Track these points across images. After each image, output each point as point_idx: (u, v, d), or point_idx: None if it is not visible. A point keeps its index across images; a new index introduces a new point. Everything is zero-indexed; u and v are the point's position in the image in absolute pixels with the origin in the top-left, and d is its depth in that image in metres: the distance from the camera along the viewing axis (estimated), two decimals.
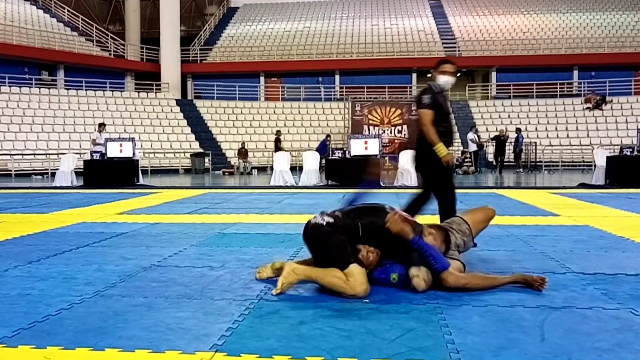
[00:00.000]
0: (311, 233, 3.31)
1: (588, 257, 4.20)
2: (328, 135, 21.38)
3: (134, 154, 13.50)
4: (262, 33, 31.61)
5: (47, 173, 17.90)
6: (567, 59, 27.48)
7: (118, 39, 29.29)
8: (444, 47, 28.86)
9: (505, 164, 19.91)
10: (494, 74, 28.34)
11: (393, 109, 22.34)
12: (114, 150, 13.44)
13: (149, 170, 19.62)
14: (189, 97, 28.58)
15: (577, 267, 3.85)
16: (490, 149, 20.83)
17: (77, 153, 16.63)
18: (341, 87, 28.14)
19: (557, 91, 26.52)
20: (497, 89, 28.01)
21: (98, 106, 23.37)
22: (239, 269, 3.87)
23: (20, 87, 23.07)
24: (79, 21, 29.30)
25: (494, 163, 20.31)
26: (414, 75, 28.47)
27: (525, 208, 7.66)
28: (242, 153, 20.83)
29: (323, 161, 15.03)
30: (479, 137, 20.18)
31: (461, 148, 20.54)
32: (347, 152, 13.24)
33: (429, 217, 4.82)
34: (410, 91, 27.50)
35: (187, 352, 2.30)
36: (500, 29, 30.51)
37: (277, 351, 2.30)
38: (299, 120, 25.65)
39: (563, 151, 21.99)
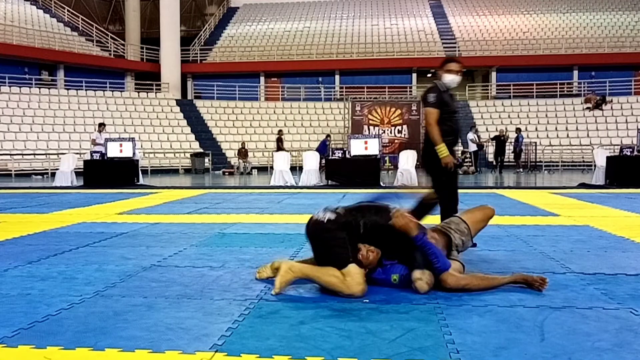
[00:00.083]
0: (313, 229, 3.31)
1: (588, 257, 4.20)
2: (328, 135, 21.39)
3: (134, 154, 13.50)
4: (262, 33, 31.62)
5: (47, 173, 17.90)
6: (567, 59, 27.49)
7: (118, 39, 29.29)
8: (444, 47, 28.86)
9: (505, 164, 19.92)
10: (494, 74, 28.35)
11: (393, 109, 22.35)
12: (114, 150, 13.44)
13: (149, 170, 19.62)
14: (189, 97, 28.59)
15: (577, 267, 3.85)
16: (490, 149, 20.84)
17: (77, 153, 16.64)
18: (341, 87, 28.14)
19: (557, 91, 26.52)
20: (497, 89, 28.02)
21: (98, 106, 23.38)
22: (239, 269, 3.87)
23: (20, 87, 23.08)
24: (79, 21, 29.31)
25: (494, 163, 20.31)
26: (414, 75, 28.48)
27: (525, 208, 7.66)
28: (242, 153, 20.84)
29: (323, 161, 15.03)
30: (479, 137, 20.18)
31: (461, 148, 20.54)
32: (347, 152, 13.24)
33: (430, 217, 4.81)
34: (410, 91, 27.52)
35: (187, 352, 2.30)
36: (500, 29, 30.52)
37: (277, 351, 2.30)
38: (299, 120, 25.65)
39: (563, 151, 21.99)
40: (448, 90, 4.73)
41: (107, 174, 13.18)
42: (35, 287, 3.39)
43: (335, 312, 2.85)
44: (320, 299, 3.10)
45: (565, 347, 2.32)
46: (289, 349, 2.32)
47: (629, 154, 12.40)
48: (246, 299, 3.09)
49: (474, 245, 4.38)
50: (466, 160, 19.25)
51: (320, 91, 28.03)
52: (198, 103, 26.45)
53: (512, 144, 20.44)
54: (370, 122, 22.31)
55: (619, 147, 13.52)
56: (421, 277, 3.13)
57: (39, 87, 23.75)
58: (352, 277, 3.09)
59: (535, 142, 21.11)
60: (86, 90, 24.34)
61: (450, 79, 4.68)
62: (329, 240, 3.21)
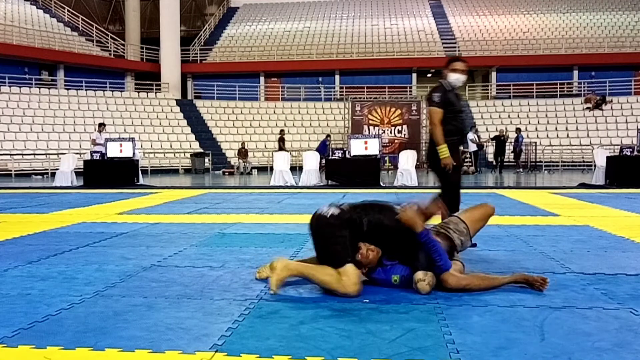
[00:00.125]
0: (316, 223, 3.29)
1: (588, 257, 4.20)
2: (328, 135, 21.38)
3: (134, 154, 13.50)
4: (262, 33, 31.62)
5: (47, 173, 17.90)
6: (567, 59, 27.49)
7: (118, 39, 29.30)
8: (444, 47, 28.86)
9: (505, 164, 19.93)
10: (494, 74, 28.35)
11: (393, 109, 22.36)
12: (114, 150, 13.44)
13: (149, 170, 19.62)
14: (189, 97, 28.59)
15: (577, 267, 3.85)
16: (490, 149, 20.84)
17: (77, 153, 16.64)
18: (341, 87, 28.14)
19: (557, 91, 26.52)
20: (497, 89, 28.02)
21: (98, 106, 23.38)
22: (239, 269, 3.87)
23: (20, 87, 23.08)
24: (79, 21, 29.31)
25: (494, 163, 20.32)
26: (414, 75, 28.49)
27: (525, 208, 7.66)
28: (242, 153, 20.84)
29: (323, 161, 15.03)
30: (478, 137, 20.18)
31: (461, 148, 20.55)
32: (347, 152, 13.24)
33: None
34: (410, 91, 27.52)
35: (187, 352, 2.30)
36: (500, 29, 30.52)
37: (277, 351, 2.30)
38: (299, 120, 25.65)
39: (563, 151, 21.99)
40: (454, 89, 4.73)
41: (107, 174, 13.18)
42: (35, 287, 3.39)
43: (335, 312, 2.85)
44: (320, 299, 3.10)
45: (565, 347, 2.32)
46: (289, 349, 2.32)
47: (629, 154, 12.40)
48: (246, 299, 3.09)
49: (474, 245, 4.38)
50: (466, 160, 19.24)
51: (320, 91, 28.03)
52: (198, 103, 26.45)
53: (512, 144, 20.44)
54: (370, 122, 22.32)
55: (619, 147, 13.52)
56: (424, 279, 3.12)
57: (39, 87, 23.75)
58: (348, 277, 3.08)
59: (535, 142, 21.11)
60: (86, 90, 24.34)
61: (456, 78, 4.68)
62: (329, 237, 3.19)
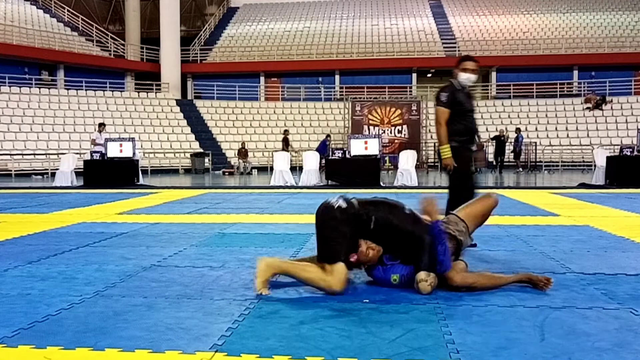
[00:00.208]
0: (321, 212, 3.28)
1: (588, 257, 4.20)
2: (328, 135, 21.39)
3: (134, 154, 13.50)
4: (262, 33, 31.62)
5: (47, 173, 17.90)
6: (567, 59, 27.49)
7: (118, 39, 29.30)
8: (444, 47, 28.87)
9: (505, 164, 19.92)
10: (494, 74, 28.34)
11: (393, 109, 22.36)
12: (114, 150, 13.44)
13: (149, 170, 19.62)
14: (189, 97, 28.59)
15: (577, 267, 3.85)
16: (490, 149, 20.85)
17: (77, 153, 16.64)
18: (341, 87, 28.15)
19: (557, 91, 26.53)
20: (497, 89, 28.01)
21: (98, 106, 23.38)
22: (239, 269, 3.87)
23: (20, 87, 23.08)
24: (79, 21, 29.31)
25: (494, 163, 20.32)
26: (414, 75, 28.48)
27: (525, 208, 7.66)
28: (242, 153, 20.84)
29: (323, 161, 15.03)
30: (478, 137, 20.09)
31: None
32: (347, 152, 13.24)
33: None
34: (410, 91, 27.52)
35: (187, 352, 2.30)
36: (500, 29, 30.52)
37: (277, 351, 2.30)
38: (299, 120, 25.65)
39: (563, 151, 21.99)
40: (464, 88, 4.72)
41: (107, 174, 13.18)
42: (35, 287, 3.39)
43: (335, 312, 2.85)
44: (321, 299, 3.09)
45: (565, 347, 2.32)
46: (289, 349, 2.32)
47: (629, 154, 12.40)
48: (246, 299, 3.08)
49: (474, 245, 4.38)
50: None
51: (320, 91, 28.03)
52: (198, 103, 26.45)
53: (512, 144, 20.44)
54: (370, 122, 22.32)
55: (619, 147, 13.52)
56: (426, 279, 3.11)
57: (39, 87, 23.75)
58: (334, 275, 3.07)
59: (535, 142, 21.11)
60: (86, 90, 24.34)
61: (466, 77, 4.68)
62: (330, 230, 3.17)
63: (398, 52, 28.72)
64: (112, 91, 25.08)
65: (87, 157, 13.91)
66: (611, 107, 24.75)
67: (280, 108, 26.40)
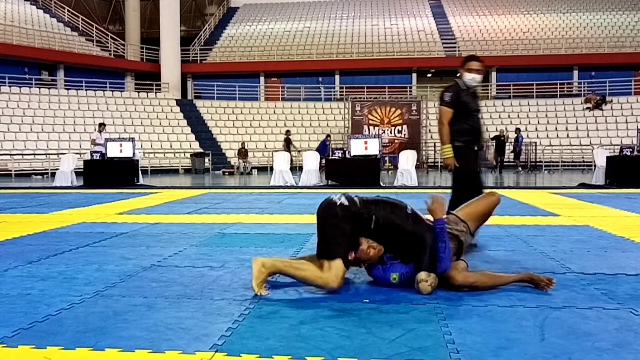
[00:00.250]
0: (323, 208, 3.27)
1: (588, 257, 4.20)
2: (328, 135, 21.39)
3: (134, 154, 13.50)
4: (262, 33, 31.62)
5: (47, 173, 17.91)
6: (567, 59, 27.49)
7: (118, 39, 29.30)
8: (444, 47, 28.87)
9: (505, 164, 19.92)
10: (494, 74, 28.34)
11: (393, 109, 22.37)
12: (114, 150, 13.44)
13: (149, 170, 19.62)
14: (189, 97, 28.60)
15: (577, 267, 3.85)
16: (490, 149, 20.82)
17: (77, 153, 16.64)
18: (341, 87, 28.15)
19: (557, 91, 26.53)
20: (497, 89, 28.02)
21: (98, 106, 23.39)
22: (239, 269, 3.87)
23: (20, 87, 23.08)
24: (79, 21, 29.31)
25: (494, 163, 20.31)
26: (414, 75, 28.49)
27: (525, 208, 7.66)
28: (242, 153, 20.84)
29: (323, 161, 15.03)
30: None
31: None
32: (347, 152, 13.24)
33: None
34: (410, 91, 27.52)
35: (187, 352, 2.30)
36: (500, 29, 30.52)
37: (277, 351, 2.30)
38: (299, 120, 25.65)
39: (563, 151, 21.99)
40: (469, 88, 4.72)
41: (107, 174, 13.18)
42: (35, 287, 3.39)
43: (335, 312, 2.85)
44: (320, 299, 3.09)
45: (565, 347, 2.32)
46: (289, 349, 2.32)
47: (629, 154, 12.40)
48: (246, 299, 3.08)
49: (475, 246, 4.38)
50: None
51: (320, 91, 28.03)
52: (198, 103, 26.45)
53: (512, 144, 20.44)
54: (370, 122, 22.33)
55: (619, 147, 13.52)
56: (426, 279, 3.10)
57: (39, 87, 23.76)
58: (331, 271, 3.07)
59: (535, 142, 21.12)
60: (86, 90, 24.35)
61: (471, 77, 4.68)
62: (331, 227, 3.17)
63: (398, 52, 28.73)
64: (112, 91, 25.08)
65: (87, 157, 13.90)
66: (611, 107, 24.75)
67: (280, 108, 26.40)
